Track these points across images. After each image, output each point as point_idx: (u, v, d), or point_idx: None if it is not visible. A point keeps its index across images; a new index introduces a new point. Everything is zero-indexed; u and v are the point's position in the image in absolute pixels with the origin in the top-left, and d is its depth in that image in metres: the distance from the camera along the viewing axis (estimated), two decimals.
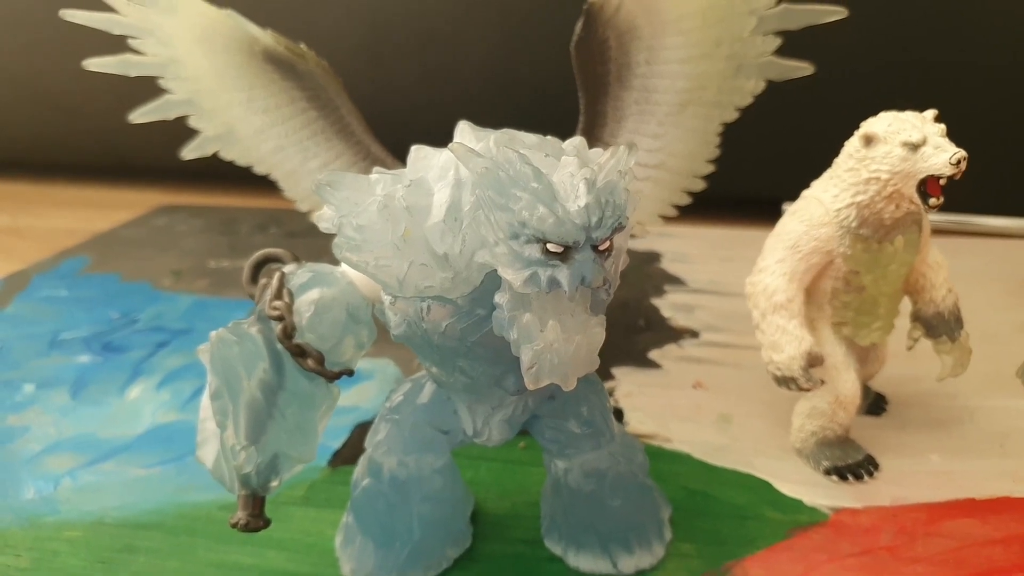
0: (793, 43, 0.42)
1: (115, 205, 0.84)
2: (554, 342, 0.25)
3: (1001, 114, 0.67)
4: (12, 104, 0.91)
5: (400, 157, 0.46)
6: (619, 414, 0.43)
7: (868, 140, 0.34)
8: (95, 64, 0.44)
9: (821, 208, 0.36)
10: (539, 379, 0.25)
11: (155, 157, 0.72)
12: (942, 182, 0.33)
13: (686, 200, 0.46)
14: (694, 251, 0.66)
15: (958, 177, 0.33)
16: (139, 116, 0.46)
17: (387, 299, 0.28)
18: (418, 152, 0.28)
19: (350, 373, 0.29)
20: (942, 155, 0.33)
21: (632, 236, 0.42)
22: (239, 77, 0.44)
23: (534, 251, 0.24)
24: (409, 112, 0.73)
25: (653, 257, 0.65)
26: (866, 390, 0.42)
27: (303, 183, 0.47)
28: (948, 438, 0.40)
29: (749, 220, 0.71)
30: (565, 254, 0.24)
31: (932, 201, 0.34)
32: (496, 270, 0.25)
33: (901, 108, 0.35)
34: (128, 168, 0.90)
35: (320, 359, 0.28)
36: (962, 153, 0.33)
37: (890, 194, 0.34)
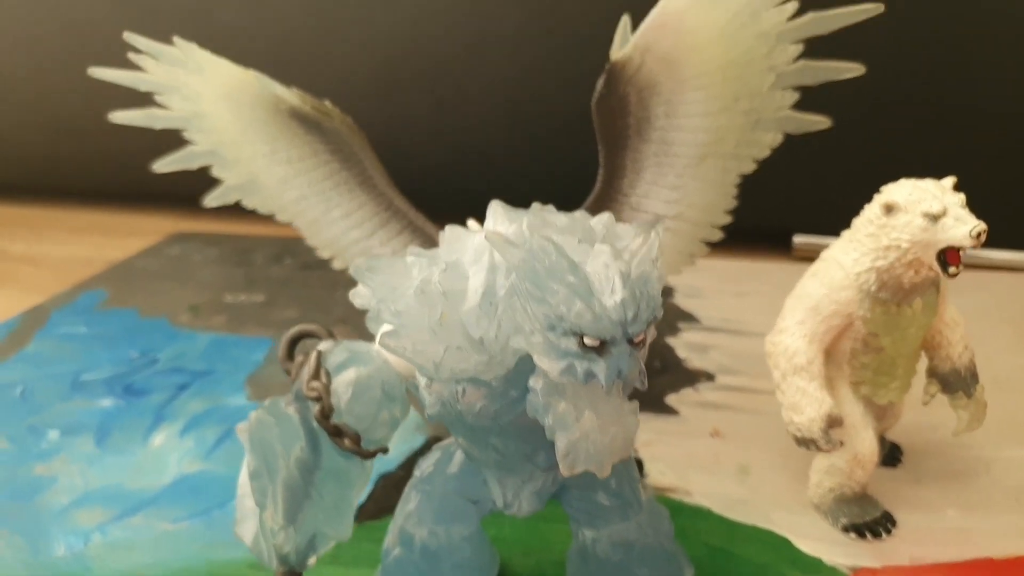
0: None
1: (128, 232, 0.85)
2: (590, 432, 0.25)
3: (1010, 145, 0.68)
4: (23, 128, 0.92)
5: (414, 196, 0.47)
6: (639, 465, 0.44)
7: (889, 208, 0.35)
8: (121, 117, 0.45)
9: (841, 272, 0.37)
10: (574, 467, 0.25)
11: (168, 183, 0.72)
12: (961, 252, 0.34)
13: (704, 251, 0.47)
14: (707, 285, 0.66)
15: (977, 248, 0.34)
16: (163, 166, 0.47)
17: (422, 381, 0.29)
18: (452, 232, 0.28)
19: (385, 451, 0.30)
20: (962, 227, 0.33)
21: None
22: (263, 131, 0.45)
23: (570, 344, 0.24)
24: (423, 146, 0.73)
25: (666, 292, 0.65)
26: (881, 440, 0.43)
27: (325, 232, 0.48)
28: (964, 491, 0.41)
29: (761, 252, 0.71)
30: (601, 347, 0.24)
31: (952, 270, 0.34)
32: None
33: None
34: (140, 193, 0.91)
35: (357, 439, 0.28)
36: (982, 226, 0.33)
37: (910, 261, 0.35)
